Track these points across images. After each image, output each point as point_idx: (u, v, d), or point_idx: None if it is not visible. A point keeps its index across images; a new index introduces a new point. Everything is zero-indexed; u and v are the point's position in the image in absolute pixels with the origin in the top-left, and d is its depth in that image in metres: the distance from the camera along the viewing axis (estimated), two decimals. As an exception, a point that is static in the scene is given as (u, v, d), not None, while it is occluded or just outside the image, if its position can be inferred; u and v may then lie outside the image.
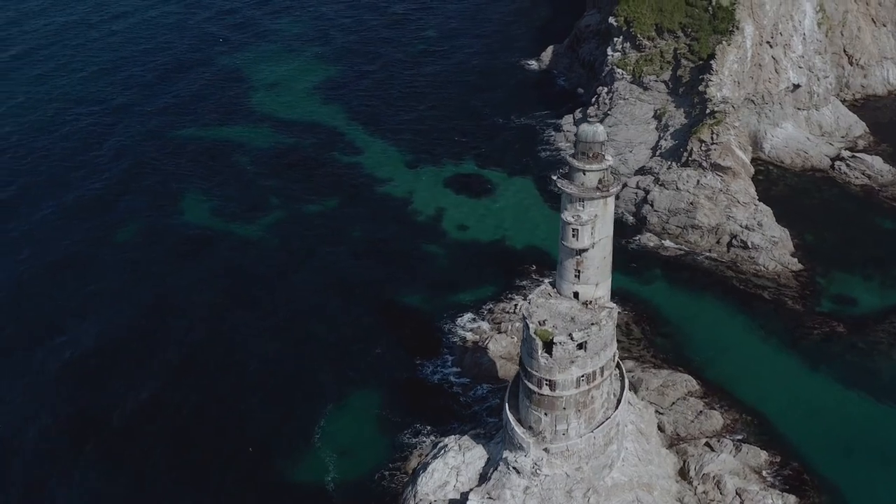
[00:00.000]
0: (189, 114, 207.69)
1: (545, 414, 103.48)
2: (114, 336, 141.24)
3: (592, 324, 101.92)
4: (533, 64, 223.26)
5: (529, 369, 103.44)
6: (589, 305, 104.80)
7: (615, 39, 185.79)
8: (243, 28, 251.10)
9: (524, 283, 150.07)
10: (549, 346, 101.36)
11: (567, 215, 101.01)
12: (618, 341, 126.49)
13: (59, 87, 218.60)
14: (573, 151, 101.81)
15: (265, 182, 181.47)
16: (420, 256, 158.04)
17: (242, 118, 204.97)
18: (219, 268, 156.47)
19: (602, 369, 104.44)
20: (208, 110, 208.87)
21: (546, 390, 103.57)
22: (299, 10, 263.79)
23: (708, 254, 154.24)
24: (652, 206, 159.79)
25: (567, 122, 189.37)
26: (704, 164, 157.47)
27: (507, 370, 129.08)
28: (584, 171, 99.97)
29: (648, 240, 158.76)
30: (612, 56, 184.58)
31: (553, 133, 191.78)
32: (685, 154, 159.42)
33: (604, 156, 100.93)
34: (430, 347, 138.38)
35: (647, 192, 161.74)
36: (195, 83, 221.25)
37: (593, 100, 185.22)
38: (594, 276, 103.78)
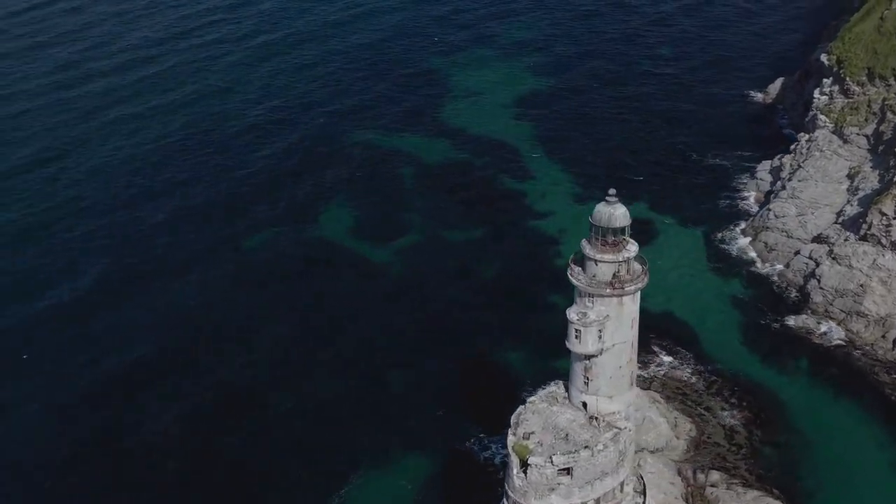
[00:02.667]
0: (372, 117, 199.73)
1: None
2: (172, 349, 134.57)
3: (585, 447, 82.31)
4: (757, 96, 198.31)
5: (506, 487, 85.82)
6: (595, 421, 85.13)
7: (824, 80, 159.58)
8: (465, 29, 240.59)
9: (645, 363, 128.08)
10: (526, 465, 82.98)
11: (571, 312, 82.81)
12: (716, 444, 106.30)
13: (255, 78, 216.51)
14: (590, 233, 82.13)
15: (417, 201, 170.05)
16: (544, 309, 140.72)
17: (423, 128, 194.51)
18: (322, 290, 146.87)
19: (598, 502, 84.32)
20: (393, 115, 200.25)
21: None
22: (533, 14, 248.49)
23: (869, 349, 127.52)
24: (819, 281, 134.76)
25: (763, 168, 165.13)
26: (884, 241, 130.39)
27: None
28: (595, 261, 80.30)
29: (805, 321, 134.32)
30: (819, 99, 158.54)
31: (745, 179, 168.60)
32: (864, 226, 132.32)
33: (625, 244, 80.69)
34: (503, 421, 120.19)
35: (817, 264, 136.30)
36: (392, 85, 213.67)
37: (792, 147, 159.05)
38: (606, 388, 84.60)
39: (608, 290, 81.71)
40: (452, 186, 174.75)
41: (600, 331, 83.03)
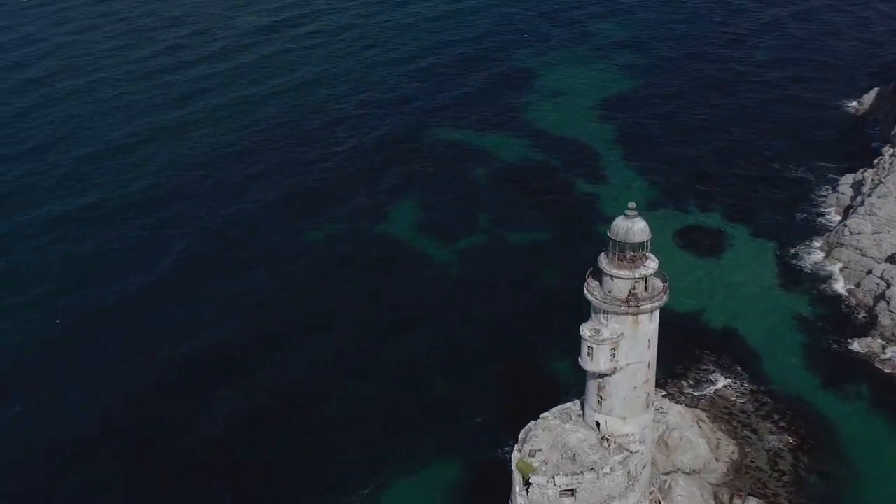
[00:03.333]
0: (455, 114, 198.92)
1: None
2: (234, 342, 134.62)
3: (590, 469, 79.56)
4: (852, 106, 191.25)
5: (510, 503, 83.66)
6: (606, 442, 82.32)
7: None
8: (562, 27, 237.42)
9: (696, 380, 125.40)
10: (528, 483, 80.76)
11: (584, 328, 79.91)
12: (758, 469, 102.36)
13: (346, 71, 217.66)
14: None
15: (488, 201, 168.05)
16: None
17: (505, 126, 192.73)
18: (382, 289, 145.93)
19: None
20: (477, 113, 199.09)
21: None
22: (633, 13, 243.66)
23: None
24: (888, 303, 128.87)
25: (845, 182, 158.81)
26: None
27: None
28: (611, 277, 77.57)
29: (869, 345, 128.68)
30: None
31: (826, 193, 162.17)
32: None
33: (644, 260, 77.68)
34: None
35: (888, 285, 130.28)
36: (480, 82, 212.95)
37: (875, 161, 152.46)
38: (619, 409, 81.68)
39: (622, 308, 78.47)
40: (525, 187, 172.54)
41: (613, 349, 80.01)
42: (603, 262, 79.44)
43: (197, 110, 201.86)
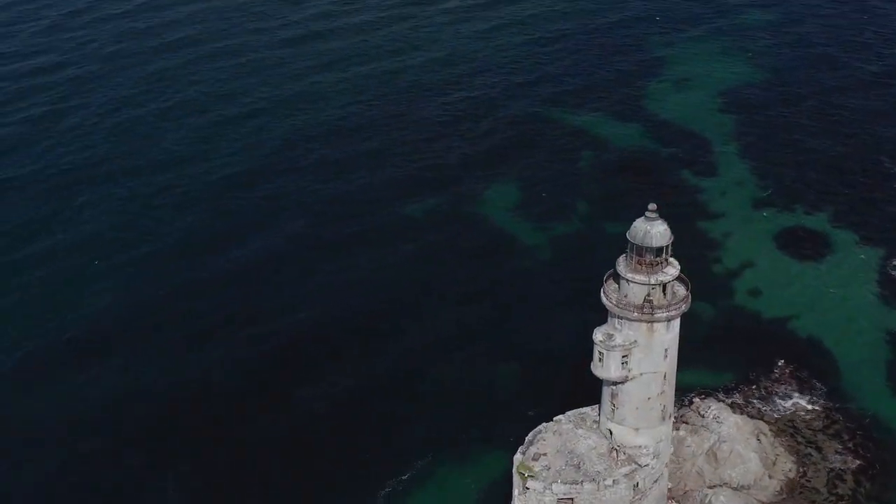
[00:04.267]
0: (575, 97, 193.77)
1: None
2: (323, 323, 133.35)
3: (591, 480, 76.81)
4: None
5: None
6: (616, 453, 79.38)
7: None
8: (705, 4, 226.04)
9: (768, 391, 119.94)
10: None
11: (598, 331, 76.88)
12: (814, 490, 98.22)
13: (478, 51, 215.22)
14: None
15: (592, 188, 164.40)
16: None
17: (620, 111, 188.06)
18: (468, 271, 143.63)
19: None
20: (595, 96, 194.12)
21: None
22: (774, 4, 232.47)
23: None
24: None
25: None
26: None
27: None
28: (627, 281, 74.53)
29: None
30: None
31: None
32: None
33: (663, 266, 74.19)
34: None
35: None
36: (604, 66, 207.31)
37: None
38: (632, 419, 78.59)
39: (635, 314, 74.77)
40: (630, 174, 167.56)
41: (625, 357, 76.34)
42: (620, 264, 75.94)
43: (324, 84, 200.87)
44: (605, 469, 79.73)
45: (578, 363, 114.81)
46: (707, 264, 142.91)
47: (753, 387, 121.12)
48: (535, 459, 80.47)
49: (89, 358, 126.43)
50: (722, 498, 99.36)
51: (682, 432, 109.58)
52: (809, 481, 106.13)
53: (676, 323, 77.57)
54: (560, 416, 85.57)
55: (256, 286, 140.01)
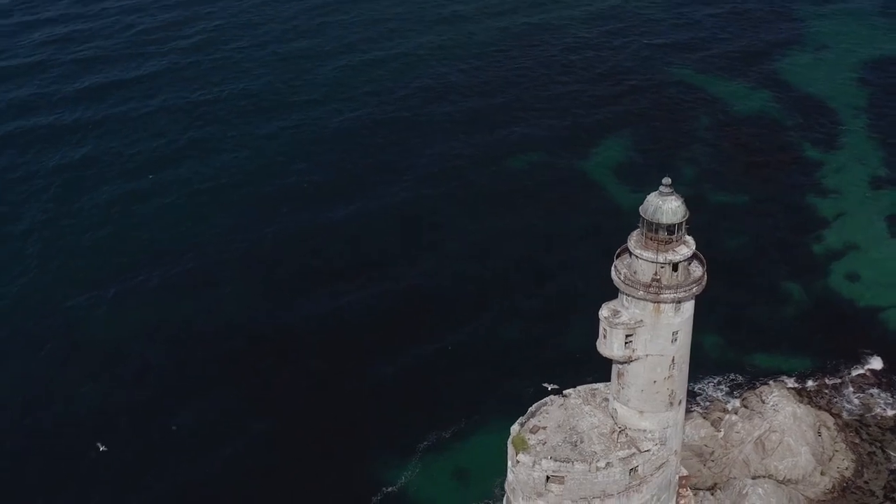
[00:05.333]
0: (700, 54, 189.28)
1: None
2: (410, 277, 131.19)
3: (583, 460, 74.13)
4: None
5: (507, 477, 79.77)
6: (619, 435, 76.43)
7: None
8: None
9: (843, 381, 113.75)
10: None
11: (605, 307, 73.76)
12: (870, 492, 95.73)
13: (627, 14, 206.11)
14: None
15: (698, 152, 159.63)
16: (770, 294, 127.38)
17: (748, 75, 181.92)
18: (555, 226, 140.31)
19: None
20: (722, 56, 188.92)
21: None
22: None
23: None
24: None
25: None
26: None
27: (688, 467, 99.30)
28: (636, 256, 71.26)
29: None
30: None
31: None
32: None
33: (675, 244, 70.45)
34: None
35: None
36: (738, 24, 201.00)
37: None
38: (636, 401, 75.30)
39: (641, 292, 70.87)
40: (746, 143, 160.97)
41: (630, 336, 72.47)
42: (632, 239, 71.82)
43: (431, 47, 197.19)
44: (603, 450, 76.03)
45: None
46: (807, 241, 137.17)
47: (831, 377, 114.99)
48: (532, 432, 77.49)
49: (202, 289, 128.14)
50: (760, 490, 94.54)
51: (734, 417, 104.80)
52: (867, 482, 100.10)
53: (688, 306, 72.84)
54: (570, 391, 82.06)
55: (370, 237, 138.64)
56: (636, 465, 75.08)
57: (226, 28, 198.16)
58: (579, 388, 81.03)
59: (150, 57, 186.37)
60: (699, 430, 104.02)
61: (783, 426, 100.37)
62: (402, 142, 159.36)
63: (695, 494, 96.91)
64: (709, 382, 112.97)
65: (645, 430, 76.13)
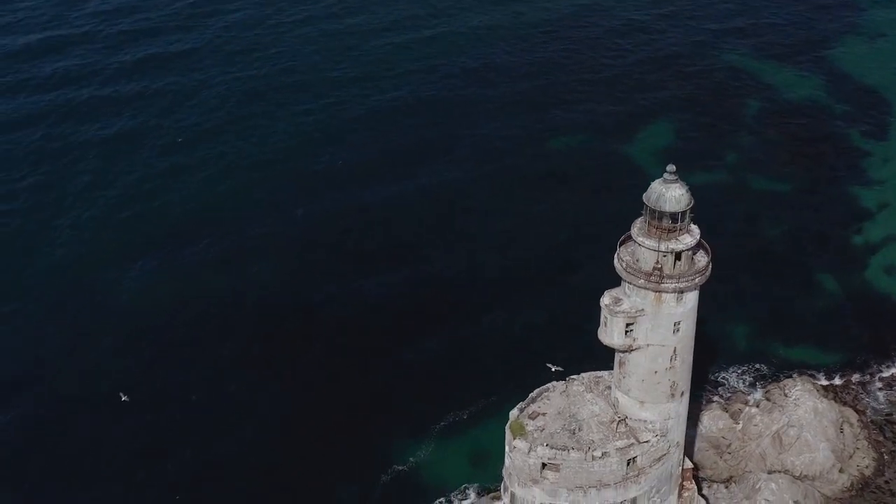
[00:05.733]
0: (751, 40, 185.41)
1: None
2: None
3: (579, 449, 73.53)
4: None
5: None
6: (619, 425, 75.72)
7: None
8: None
9: (871, 376, 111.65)
10: (519, 445, 76.13)
11: (606, 295, 73.03)
12: (889, 493, 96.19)
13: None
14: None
15: (745, 139, 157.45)
16: (808, 289, 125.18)
17: (800, 61, 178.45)
18: (587, 209, 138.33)
19: None
20: (775, 42, 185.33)
21: (507, 499, 78.89)
22: None
23: None
24: None
25: None
26: None
27: (704, 459, 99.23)
28: (639, 245, 70.47)
29: None
30: None
31: None
32: None
33: (679, 233, 69.50)
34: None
35: None
36: (794, 9, 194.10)
37: None
38: (637, 391, 74.60)
39: (642, 281, 69.85)
40: (793, 132, 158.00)
41: (630, 325, 71.46)
42: (635, 226, 70.70)
43: (490, 16, 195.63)
44: (601, 439, 75.08)
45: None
46: (848, 233, 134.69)
47: (860, 373, 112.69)
48: (531, 418, 76.82)
49: (233, 264, 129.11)
50: (773, 486, 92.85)
51: (754, 409, 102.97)
52: (887, 482, 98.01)
53: (691, 296, 71.50)
54: (574, 377, 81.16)
55: (402, 219, 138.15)
56: (634, 455, 73.84)
57: (273, 2, 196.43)
58: (583, 374, 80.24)
59: (194, 30, 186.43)
60: (717, 421, 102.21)
61: (802, 421, 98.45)
62: (442, 123, 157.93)
63: (708, 487, 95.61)
64: (733, 372, 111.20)
65: (645, 421, 74.99)
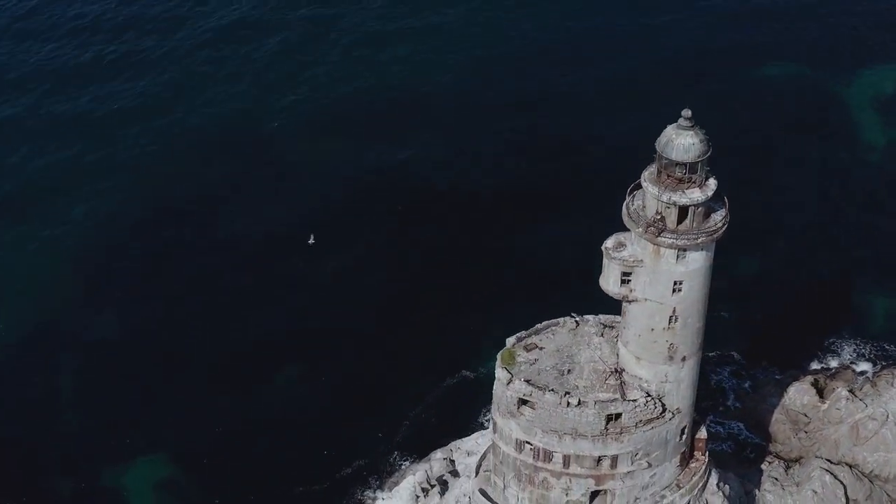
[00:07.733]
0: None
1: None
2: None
3: (555, 391, 71.48)
4: None
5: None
6: (611, 377, 72.92)
7: None
8: None
9: None
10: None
11: (612, 237, 69.79)
12: None
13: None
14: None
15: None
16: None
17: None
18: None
19: (569, 460, 73.15)
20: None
21: (490, 427, 77.96)
22: None
23: None
24: None
25: None
26: None
27: (777, 432, 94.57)
28: (644, 190, 66.90)
29: None
30: None
31: None
32: None
33: (687, 185, 65.19)
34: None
35: None
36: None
37: None
38: (634, 345, 71.30)
39: (639, 229, 65.30)
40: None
41: (626, 274, 67.14)
42: (646, 171, 65.58)
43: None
44: (585, 387, 71.29)
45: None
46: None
47: None
48: (527, 349, 73.70)
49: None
50: (827, 478, 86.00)
51: (844, 392, 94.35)
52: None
53: (697, 256, 65.36)
54: (590, 317, 77.01)
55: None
56: (618, 412, 69.66)
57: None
58: (601, 316, 75.84)
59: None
60: (803, 395, 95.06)
61: (886, 416, 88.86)
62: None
63: (769, 464, 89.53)
64: (851, 345, 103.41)
65: (641, 379, 70.48)
